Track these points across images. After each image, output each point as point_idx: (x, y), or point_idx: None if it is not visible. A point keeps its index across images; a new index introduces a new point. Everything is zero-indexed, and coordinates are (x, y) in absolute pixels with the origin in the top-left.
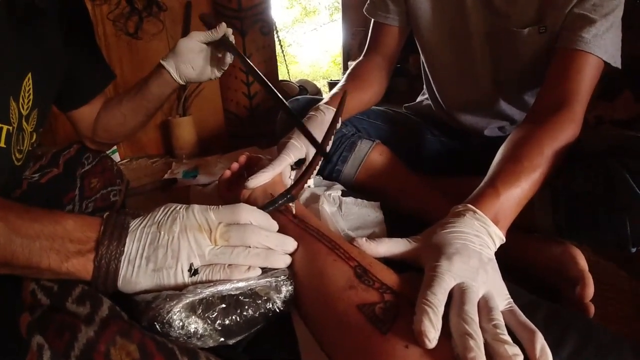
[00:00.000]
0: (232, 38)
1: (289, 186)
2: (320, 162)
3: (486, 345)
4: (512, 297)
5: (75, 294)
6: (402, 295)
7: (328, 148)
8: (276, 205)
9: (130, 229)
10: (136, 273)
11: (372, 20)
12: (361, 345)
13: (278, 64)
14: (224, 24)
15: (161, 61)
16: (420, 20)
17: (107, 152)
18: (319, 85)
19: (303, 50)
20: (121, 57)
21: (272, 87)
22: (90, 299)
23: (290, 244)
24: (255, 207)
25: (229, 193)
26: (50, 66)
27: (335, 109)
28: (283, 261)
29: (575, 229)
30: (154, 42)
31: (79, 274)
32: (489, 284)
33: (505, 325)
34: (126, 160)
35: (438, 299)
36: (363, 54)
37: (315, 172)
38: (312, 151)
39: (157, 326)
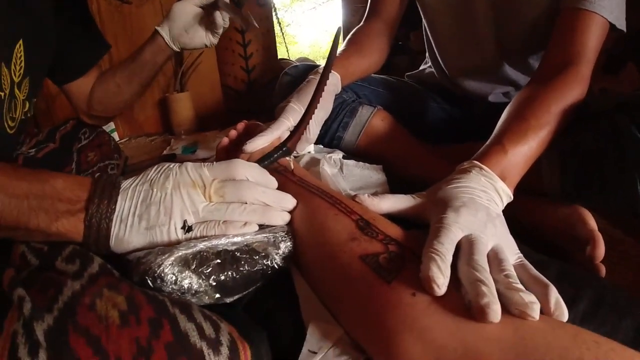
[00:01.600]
0: (227, 5)
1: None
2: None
3: (500, 296)
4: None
5: (65, 253)
6: (407, 248)
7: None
8: (272, 159)
9: (122, 187)
10: (129, 232)
11: None
12: (365, 295)
13: (277, 44)
14: None
15: (156, 27)
16: None
17: (107, 130)
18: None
19: (302, 30)
20: (116, 33)
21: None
22: (81, 257)
23: (289, 200)
24: (251, 163)
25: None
26: (41, 35)
27: (335, 73)
28: (281, 218)
29: (583, 192)
30: (146, 9)
31: (70, 234)
32: (498, 237)
33: None
34: (125, 139)
35: (446, 247)
36: (363, 19)
37: (313, 127)
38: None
39: (149, 281)
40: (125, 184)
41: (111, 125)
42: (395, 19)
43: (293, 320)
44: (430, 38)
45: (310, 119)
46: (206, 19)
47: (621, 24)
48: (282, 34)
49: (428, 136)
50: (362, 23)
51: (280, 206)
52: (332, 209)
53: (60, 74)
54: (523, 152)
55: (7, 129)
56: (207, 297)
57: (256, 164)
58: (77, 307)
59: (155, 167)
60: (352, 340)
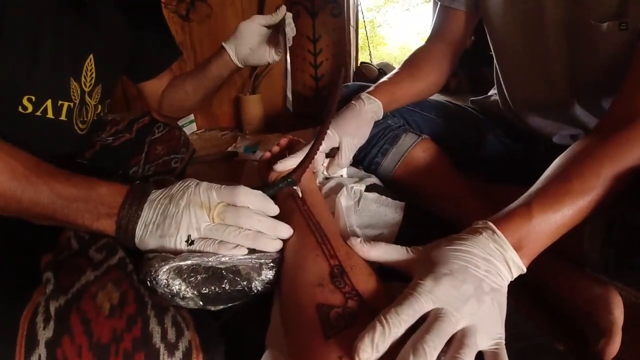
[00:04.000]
0: (291, 23)
1: (319, 173)
2: (320, 149)
3: None
4: (523, 336)
5: (99, 244)
6: (369, 306)
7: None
8: (276, 188)
9: (149, 198)
10: (148, 236)
11: (438, 4)
12: (304, 343)
13: (360, 45)
14: (283, 6)
15: (223, 43)
16: (489, 4)
17: (186, 122)
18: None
19: (393, 31)
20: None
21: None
22: (108, 248)
23: (284, 230)
24: (255, 191)
25: (267, 173)
26: (112, 45)
27: (377, 100)
28: (272, 245)
29: (625, 269)
30: (208, 25)
31: (107, 231)
32: (476, 317)
33: None
34: (201, 130)
35: (400, 319)
36: (426, 40)
37: (320, 160)
38: (345, 140)
39: (147, 280)
40: (152, 195)
41: (190, 117)
42: (459, 41)
43: (259, 342)
44: (496, 65)
45: (315, 155)
46: (270, 38)
47: None
48: (367, 36)
49: (482, 171)
50: (424, 44)
51: (274, 234)
52: (316, 249)
53: (135, 74)
54: (553, 221)
55: (78, 131)
56: (192, 303)
57: (259, 192)
58: (85, 294)
59: (179, 183)
60: None
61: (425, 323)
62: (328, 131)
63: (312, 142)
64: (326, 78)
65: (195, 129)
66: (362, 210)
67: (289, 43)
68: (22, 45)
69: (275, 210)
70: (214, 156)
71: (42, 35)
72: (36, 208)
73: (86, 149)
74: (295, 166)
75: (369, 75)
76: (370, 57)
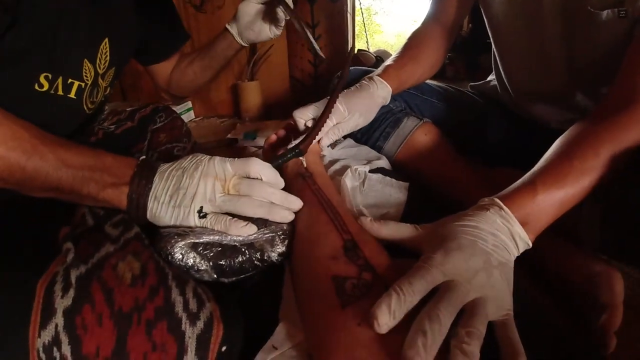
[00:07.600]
0: None
1: (321, 151)
2: (326, 121)
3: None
4: (524, 312)
5: (114, 220)
6: (383, 279)
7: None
8: (284, 159)
9: (159, 170)
10: (160, 209)
11: None
12: (321, 313)
13: (357, 33)
14: None
15: (226, 25)
16: None
17: (184, 109)
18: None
19: (389, 19)
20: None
21: (316, 47)
22: (124, 224)
23: (295, 202)
24: (266, 163)
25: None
26: (124, 30)
27: (387, 85)
28: (284, 216)
29: (623, 249)
30: (218, 15)
31: (113, 202)
32: (486, 289)
33: (494, 337)
34: (199, 118)
35: (413, 289)
36: (422, 22)
37: (328, 131)
38: (353, 117)
39: (163, 255)
40: (162, 167)
41: (188, 104)
42: (454, 23)
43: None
44: (495, 52)
45: (323, 126)
46: (269, 13)
47: None
48: (364, 23)
49: (481, 155)
50: (420, 26)
51: (286, 205)
52: (329, 224)
53: (145, 58)
54: (557, 198)
55: (86, 110)
56: (207, 276)
57: (269, 165)
58: (105, 264)
59: (190, 156)
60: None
61: (437, 293)
62: (338, 104)
63: (321, 114)
64: (325, 64)
65: (193, 117)
66: (368, 191)
67: (287, 17)
68: (44, 28)
69: (282, 183)
70: (213, 143)
71: (60, 17)
72: (40, 177)
73: (89, 136)
74: (314, 115)
75: (366, 62)
76: (368, 44)
